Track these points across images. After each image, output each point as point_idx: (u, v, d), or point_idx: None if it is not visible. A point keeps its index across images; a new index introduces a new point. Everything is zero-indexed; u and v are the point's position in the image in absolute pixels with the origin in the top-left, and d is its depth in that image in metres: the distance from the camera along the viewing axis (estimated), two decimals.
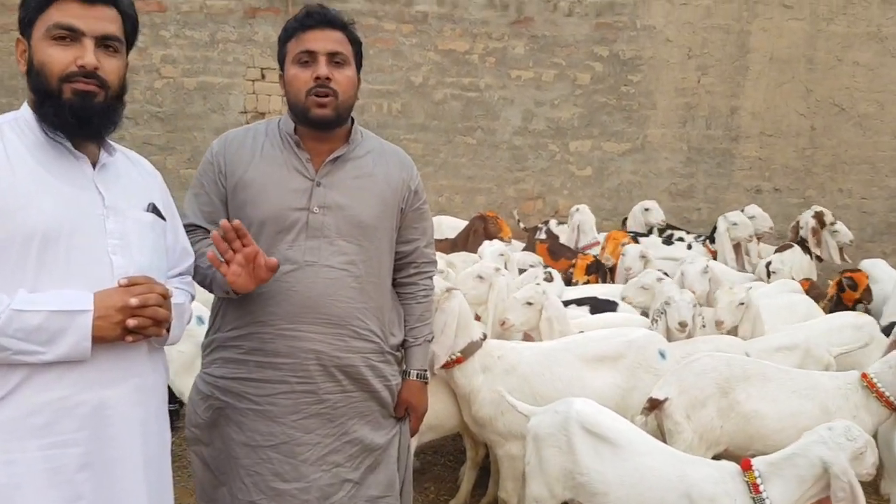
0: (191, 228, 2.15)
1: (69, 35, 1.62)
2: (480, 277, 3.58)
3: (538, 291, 3.42)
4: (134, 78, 7.26)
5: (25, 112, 1.69)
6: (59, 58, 1.62)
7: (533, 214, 7.51)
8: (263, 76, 7.36)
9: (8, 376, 1.57)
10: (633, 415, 3.02)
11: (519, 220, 7.14)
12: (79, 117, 1.63)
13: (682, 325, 3.43)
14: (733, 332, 3.70)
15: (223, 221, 1.89)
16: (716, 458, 2.86)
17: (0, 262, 1.57)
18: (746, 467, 2.42)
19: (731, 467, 2.47)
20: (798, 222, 6.00)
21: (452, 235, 5.87)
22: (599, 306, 3.90)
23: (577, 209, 5.93)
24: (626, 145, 7.56)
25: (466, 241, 5.47)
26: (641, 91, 7.49)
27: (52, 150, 1.67)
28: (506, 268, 3.97)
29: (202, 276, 2.11)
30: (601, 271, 4.86)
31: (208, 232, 2.17)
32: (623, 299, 3.94)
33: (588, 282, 4.68)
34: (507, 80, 7.42)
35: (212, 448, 2.25)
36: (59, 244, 1.60)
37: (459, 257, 4.75)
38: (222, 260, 1.93)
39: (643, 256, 4.71)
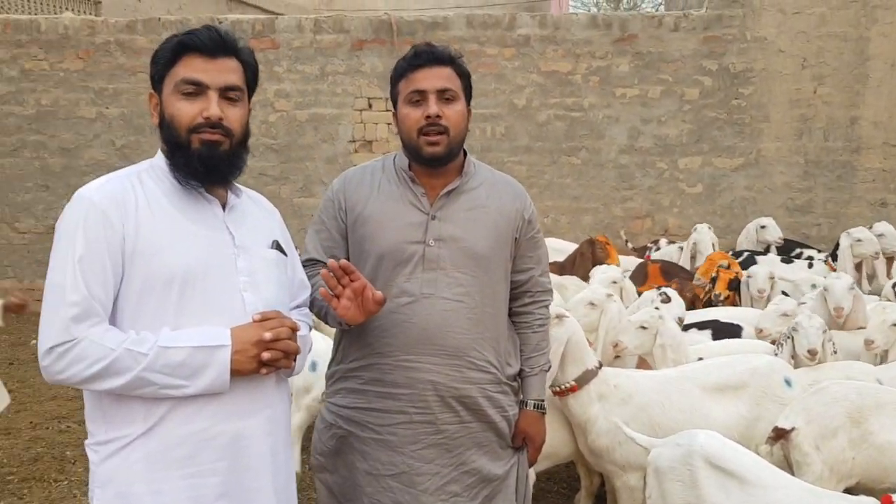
0: (311, 263, 2.23)
1: (195, 89, 1.71)
2: (592, 304, 3.52)
3: (653, 316, 3.33)
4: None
5: (160, 160, 1.80)
6: (186, 111, 1.71)
7: (641, 234, 7.36)
8: (370, 105, 7.55)
9: (153, 410, 1.67)
10: (758, 444, 2.89)
11: (627, 240, 7.02)
12: (207, 165, 1.72)
13: (812, 353, 3.26)
14: (884, 355, 3.50)
15: (331, 261, 1.93)
16: (849, 491, 2.71)
17: (144, 302, 1.67)
18: (887, 503, 2.28)
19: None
20: None
21: (559, 258, 5.81)
22: (722, 330, 3.73)
23: (696, 228, 5.79)
24: (739, 160, 7.32)
25: (574, 265, 5.41)
26: (753, 104, 7.25)
27: (186, 194, 1.76)
28: (620, 296, 3.89)
29: (318, 307, 2.17)
30: (740, 290, 4.63)
31: (325, 264, 2.24)
32: (759, 332, 3.70)
33: (728, 297, 4.46)
34: (612, 99, 7.33)
35: (337, 475, 2.30)
36: (197, 283, 1.69)
37: (571, 281, 4.69)
38: (333, 295, 1.98)
39: (771, 278, 4.47)
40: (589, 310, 3.50)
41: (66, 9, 10.30)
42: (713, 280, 4.50)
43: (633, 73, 7.27)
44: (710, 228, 5.92)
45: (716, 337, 3.69)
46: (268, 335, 1.69)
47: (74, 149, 7.77)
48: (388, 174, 2.26)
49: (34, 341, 6.81)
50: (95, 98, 7.69)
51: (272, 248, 1.88)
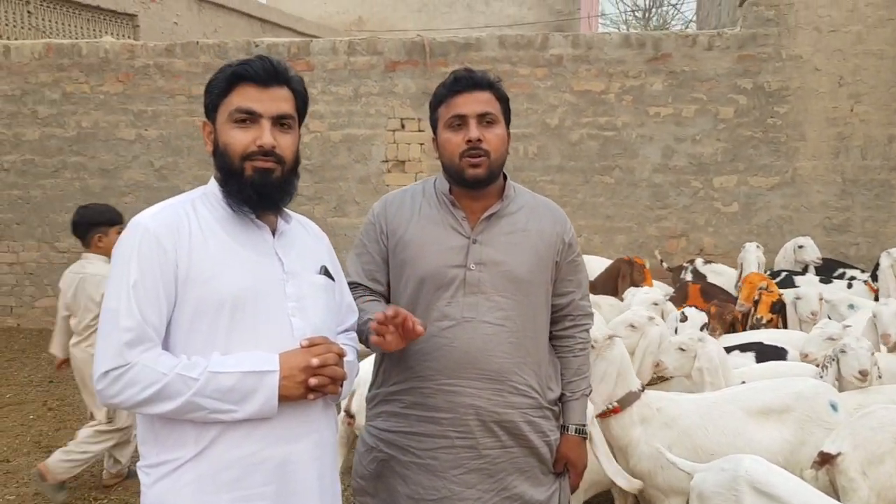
0: (353, 286, 2.23)
1: (249, 117, 1.75)
2: (633, 326, 3.50)
3: (692, 338, 3.30)
4: None
5: (213, 187, 1.83)
6: (240, 139, 1.75)
7: (676, 253, 7.30)
8: (403, 126, 7.60)
9: (203, 434, 1.69)
10: (803, 469, 2.84)
11: (661, 260, 6.96)
12: (259, 192, 1.76)
13: (863, 374, 3.20)
14: None
15: (378, 314, 1.92)
16: None
17: (196, 327, 1.70)
18: None
19: None
20: None
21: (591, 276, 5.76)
22: (766, 353, 3.66)
23: (744, 247, 5.74)
24: (775, 179, 7.25)
25: (608, 283, 5.36)
26: (789, 122, 7.18)
27: (238, 221, 1.79)
28: (662, 318, 3.86)
29: (358, 331, 2.18)
30: (784, 312, 4.56)
31: (369, 289, 2.25)
32: (805, 357, 3.65)
33: (771, 321, 4.39)
34: (646, 118, 7.30)
35: (377, 499, 2.30)
36: (247, 309, 1.72)
37: (606, 301, 4.65)
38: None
39: (821, 299, 4.38)
40: (629, 332, 3.49)
41: (106, 32, 10.54)
42: (756, 303, 4.43)
43: (667, 91, 7.24)
44: (758, 247, 5.85)
45: (759, 360, 3.63)
46: (315, 361, 1.71)
47: (114, 170, 7.92)
48: (429, 198, 2.27)
49: None
50: (135, 120, 7.83)
51: (320, 273, 1.90)
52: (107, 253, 3.95)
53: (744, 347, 3.79)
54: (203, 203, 1.80)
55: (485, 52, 7.37)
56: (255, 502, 1.71)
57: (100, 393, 1.67)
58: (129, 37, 10.95)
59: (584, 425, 2.39)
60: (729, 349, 3.63)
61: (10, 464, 4.66)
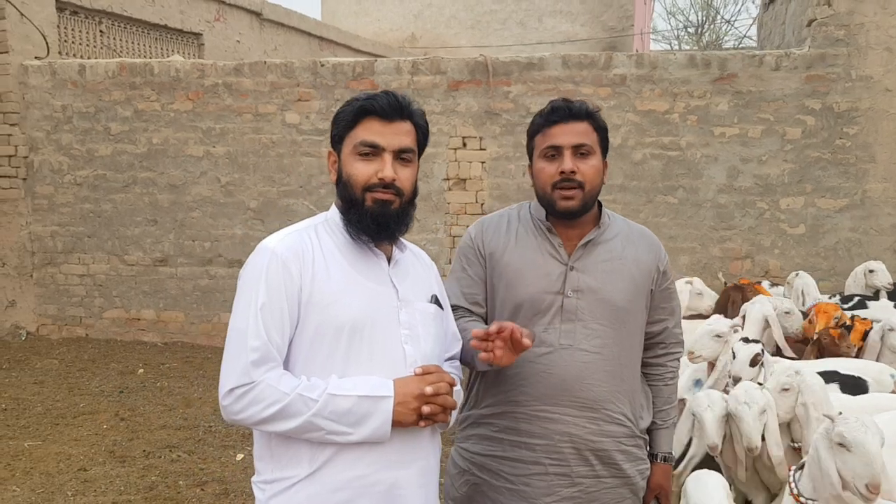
0: (453, 308, 2.24)
1: (372, 150, 1.81)
2: (718, 336, 3.53)
3: (790, 375, 3.14)
4: None
5: (334, 214, 1.91)
6: (363, 171, 1.82)
7: (741, 275, 7.18)
8: (465, 144, 7.66)
9: (317, 454, 1.75)
10: None
11: (725, 282, 6.85)
12: (378, 223, 1.82)
13: None
14: None
15: (475, 331, 1.92)
16: None
17: (316, 349, 1.76)
18: None
19: None
20: None
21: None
22: (847, 383, 3.57)
23: (797, 274, 5.60)
24: (844, 201, 7.11)
25: (724, 312, 5.22)
26: (859, 144, 7.04)
27: (357, 248, 1.86)
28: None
29: (468, 353, 2.16)
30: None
31: (468, 311, 2.27)
32: None
33: (861, 348, 4.31)
34: (711, 138, 7.24)
35: None
36: (364, 334, 1.78)
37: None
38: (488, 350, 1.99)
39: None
40: (713, 342, 3.65)
41: (174, 50, 10.84)
42: (846, 327, 4.31)
43: (733, 112, 7.17)
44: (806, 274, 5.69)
45: (843, 391, 3.54)
46: (429, 389, 1.76)
47: (182, 185, 8.13)
48: (525, 224, 2.29)
49: (141, 370, 7.11)
50: (203, 137, 8.03)
51: (431, 302, 1.95)
52: None
53: (823, 377, 3.68)
54: (325, 229, 1.88)
55: (547, 72, 7.40)
56: None
57: (225, 409, 1.74)
58: (194, 55, 11.24)
59: (671, 453, 2.40)
60: None
61: (88, 472, 4.80)
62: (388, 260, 1.90)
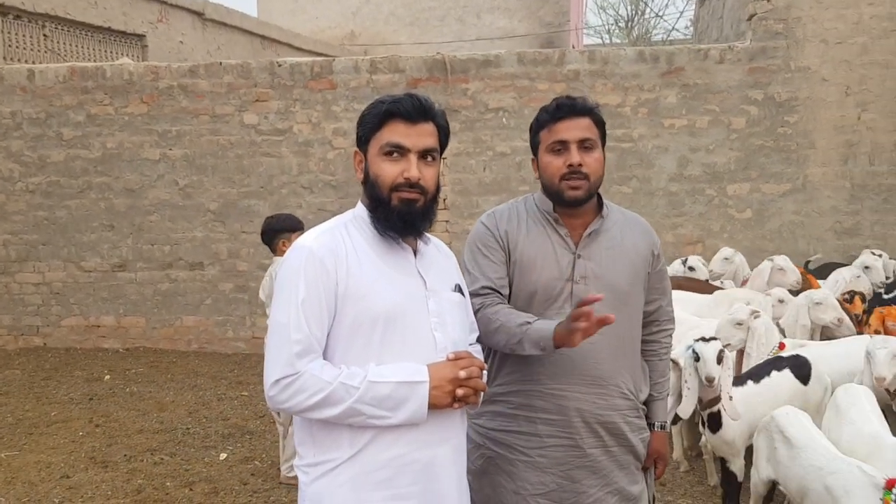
0: (486, 292, 2.32)
1: (397, 151, 1.92)
2: (739, 323, 3.64)
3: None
4: (308, 150, 7.86)
5: (361, 211, 2.01)
6: (389, 171, 1.92)
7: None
8: None
9: (359, 437, 1.87)
10: None
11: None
12: (405, 220, 1.93)
13: None
14: None
15: (580, 309, 2.01)
16: None
17: (353, 339, 1.87)
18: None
19: None
20: None
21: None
22: None
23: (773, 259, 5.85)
24: (787, 186, 7.50)
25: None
26: (799, 131, 7.43)
27: (384, 242, 1.97)
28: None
29: (511, 335, 2.22)
30: None
31: (499, 293, 2.33)
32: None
33: None
34: (661, 129, 7.53)
35: (480, 494, 2.46)
36: (397, 324, 1.89)
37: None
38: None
39: None
40: (736, 329, 3.69)
41: (118, 53, 10.68)
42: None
43: (681, 104, 7.48)
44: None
45: None
46: (463, 373, 1.88)
47: (139, 189, 8.05)
48: (532, 215, 2.44)
49: (108, 376, 7.04)
50: (159, 140, 7.97)
51: (455, 290, 2.08)
52: None
53: None
54: (354, 226, 1.98)
55: (504, 69, 7.58)
56: (405, 501, 1.88)
57: (271, 399, 1.84)
58: (138, 57, 11.09)
59: (666, 422, 2.60)
60: None
61: (71, 479, 4.79)
62: (414, 252, 2.01)
